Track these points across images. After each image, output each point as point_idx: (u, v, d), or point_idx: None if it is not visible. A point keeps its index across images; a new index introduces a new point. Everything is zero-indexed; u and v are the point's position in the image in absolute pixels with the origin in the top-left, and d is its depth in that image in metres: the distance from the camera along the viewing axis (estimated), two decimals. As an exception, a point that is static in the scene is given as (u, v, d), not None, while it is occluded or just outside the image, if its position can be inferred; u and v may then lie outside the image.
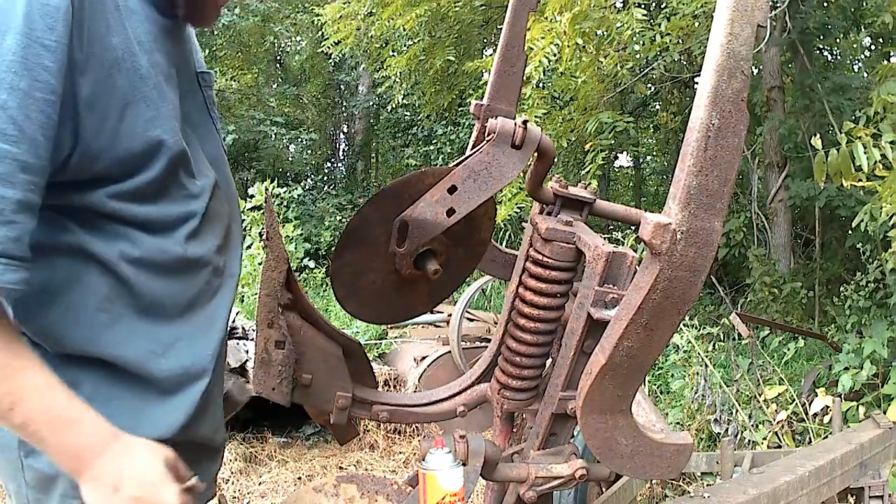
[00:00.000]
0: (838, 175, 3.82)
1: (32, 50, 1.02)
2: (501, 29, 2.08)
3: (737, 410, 4.52)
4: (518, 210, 6.53)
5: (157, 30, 1.23)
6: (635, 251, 1.73)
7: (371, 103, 14.89)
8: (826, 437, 3.64)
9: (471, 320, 5.87)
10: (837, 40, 8.95)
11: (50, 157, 1.06)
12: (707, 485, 3.66)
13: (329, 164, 16.91)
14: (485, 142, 1.68)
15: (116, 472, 1.05)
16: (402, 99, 9.92)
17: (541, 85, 6.42)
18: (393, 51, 9.63)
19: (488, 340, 5.39)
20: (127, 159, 1.15)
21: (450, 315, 5.63)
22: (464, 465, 1.58)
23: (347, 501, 2.16)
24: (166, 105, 1.21)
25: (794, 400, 4.63)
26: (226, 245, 1.39)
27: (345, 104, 15.93)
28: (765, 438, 4.25)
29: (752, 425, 4.42)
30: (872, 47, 10.14)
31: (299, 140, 14.59)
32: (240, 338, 5.04)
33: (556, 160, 1.84)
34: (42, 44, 1.03)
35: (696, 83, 1.75)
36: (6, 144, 1.00)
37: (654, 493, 3.81)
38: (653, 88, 10.44)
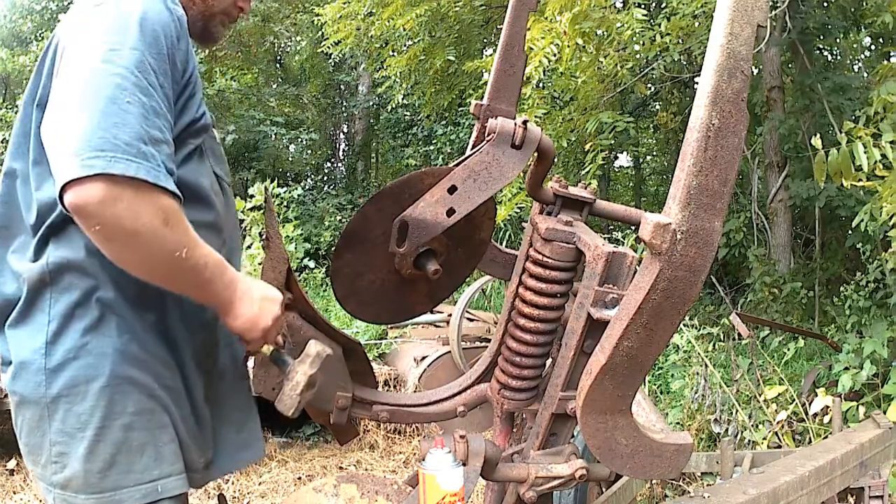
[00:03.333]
0: (838, 175, 3.81)
1: (170, 48, 1.37)
2: (501, 29, 2.07)
3: (737, 410, 4.52)
4: (518, 210, 6.53)
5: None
6: (635, 251, 1.73)
7: (371, 103, 14.87)
8: (826, 437, 3.64)
9: (471, 320, 5.87)
10: (837, 40, 8.94)
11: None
12: (707, 485, 3.65)
13: (329, 164, 16.90)
14: (485, 142, 1.68)
15: (248, 287, 1.46)
16: (402, 99, 9.91)
17: (541, 85, 6.41)
18: (393, 51, 9.62)
19: (488, 340, 5.40)
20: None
21: (450, 315, 5.63)
22: (464, 465, 1.58)
23: (347, 501, 2.16)
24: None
25: (794, 400, 4.63)
26: None
27: (345, 104, 15.92)
28: (765, 438, 4.25)
29: (752, 425, 4.42)
30: (872, 47, 10.14)
31: (299, 140, 14.57)
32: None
33: (556, 160, 1.85)
34: (175, 45, 1.39)
35: (696, 83, 1.75)
36: (167, 111, 1.34)
37: (654, 493, 3.81)
38: (653, 88, 10.43)
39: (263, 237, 1.58)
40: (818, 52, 9.02)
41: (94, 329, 1.38)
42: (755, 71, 8.42)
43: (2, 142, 11.18)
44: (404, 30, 8.42)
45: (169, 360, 1.47)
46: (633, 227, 2.43)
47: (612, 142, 6.33)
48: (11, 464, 4.38)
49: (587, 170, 6.05)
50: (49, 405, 1.36)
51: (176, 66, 1.40)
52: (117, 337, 1.39)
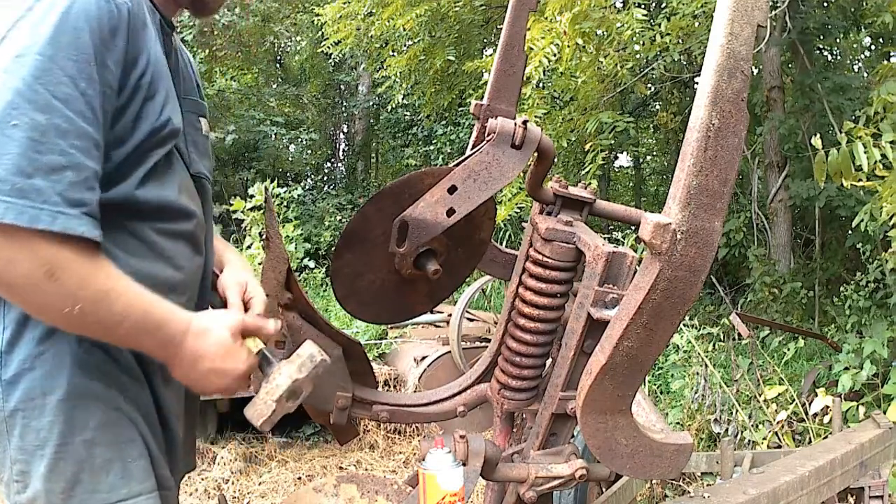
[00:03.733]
0: (838, 175, 3.81)
1: (100, 47, 1.19)
2: (501, 29, 2.07)
3: (737, 410, 4.52)
4: (518, 210, 6.53)
5: (160, 47, 1.40)
6: (635, 251, 1.73)
7: (371, 103, 14.87)
8: (826, 437, 3.64)
9: (471, 320, 5.87)
10: (837, 40, 8.94)
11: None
12: (707, 485, 3.65)
13: (329, 164, 16.90)
14: (485, 142, 1.68)
15: (193, 353, 1.28)
16: (402, 99, 9.90)
17: (541, 85, 6.41)
18: (393, 51, 9.62)
19: (488, 340, 5.39)
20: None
21: (450, 315, 5.63)
22: (464, 465, 1.58)
23: (347, 501, 2.16)
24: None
25: (794, 400, 4.63)
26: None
27: (345, 104, 15.92)
28: (765, 438, 4.25)
29: (752, 425, 4.42)
30: (872, 47, 10.14)
31: (299, 140, 14.58)
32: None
33: (556, 160, 1.84)
34: (107, 45, 1.21)
35: (696, 83, 1.75)
36: (86, 125, 1.16)
37: (654, 493, 3.81)
38: (653, 88, 10.43)
39: (263, 237, 1.57)
40: (818, 52, 9.01)
41: (50, 336, 1.26)
42: (755, 71, 8.42)
43: None
44: (404, 30, 8.43)
45: (135, 369, 1.35)
46: (633, 227, 2.43)
47: (612, 142, 6.33)
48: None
49: (587, 170, 6.05)
50: (7, 420, 1.26)
51: (107, 68, 1.20)
52: (76, 345, 1.27)
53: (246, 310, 1.53)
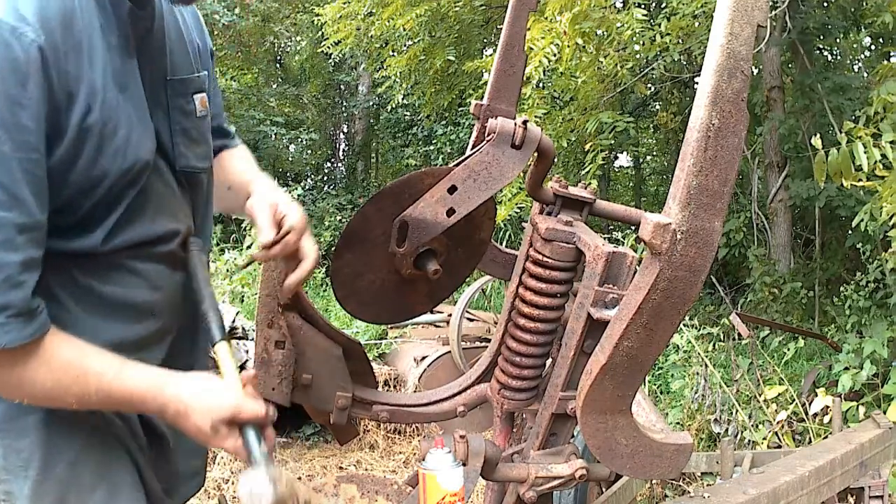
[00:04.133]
0: (838, 175, 3.82)
1: (8, 110, 1.01)
2: (501, 29, 2.07)
3: (737, 410, 4.52)
4: (518, 210, 6.53)
5: (118, 56, 1.21)
6: (635, 251, 1.73)
7: (371, 103, 14.87)
8: (826, 437, 3.64)
9: (471, 320, 5.87)
10: (837, 40, 8.95)
11: (45, 210, 1.10)
12: (707, 485, 3.65)
13: (329, 164, 16.90)
14: (485, 142, 1.68)
15: (172, 423, 1.24)
16: (402, 99, 9.90)
17: (541, 85, 6.41)
18: (393, 51, 9.62)
19: (488, 340, 5.39)
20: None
21: (450, 315, 5.62)
22: (464, 465, 1.58)
23: (347, 501, 2.16)
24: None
25: (794, 400, 4.63)
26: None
27: (345, 104, 15.92)
28: (765, 438, 4.25)
29: (752, 425, 4.42)
30: (872, 47, 10.15)
31: (299, 140, 14.58)
32: (240, 338, 5.02)
33: (556, 160, 1.84)
34: (17, 102, 1.02)
35: (696, 83, 1.75)
36: (1, 211, 1.03)
37: (654, 493, 3.81)
38: (653, 88, 10.43)
39: (263, 237, 1.57)
40: (818, 52, 9.01)
41: None
42: (755, 71, 8.42)
43: None
44: (404, 30, 8.43)
45: None
46: (633, 227, 2.44)
47: (612, 142, 6.34)
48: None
49: (587, 170, 6.05)
50: None
51: (23, 129, 1.03)
52: None
53: (279, 229, 1.41)
